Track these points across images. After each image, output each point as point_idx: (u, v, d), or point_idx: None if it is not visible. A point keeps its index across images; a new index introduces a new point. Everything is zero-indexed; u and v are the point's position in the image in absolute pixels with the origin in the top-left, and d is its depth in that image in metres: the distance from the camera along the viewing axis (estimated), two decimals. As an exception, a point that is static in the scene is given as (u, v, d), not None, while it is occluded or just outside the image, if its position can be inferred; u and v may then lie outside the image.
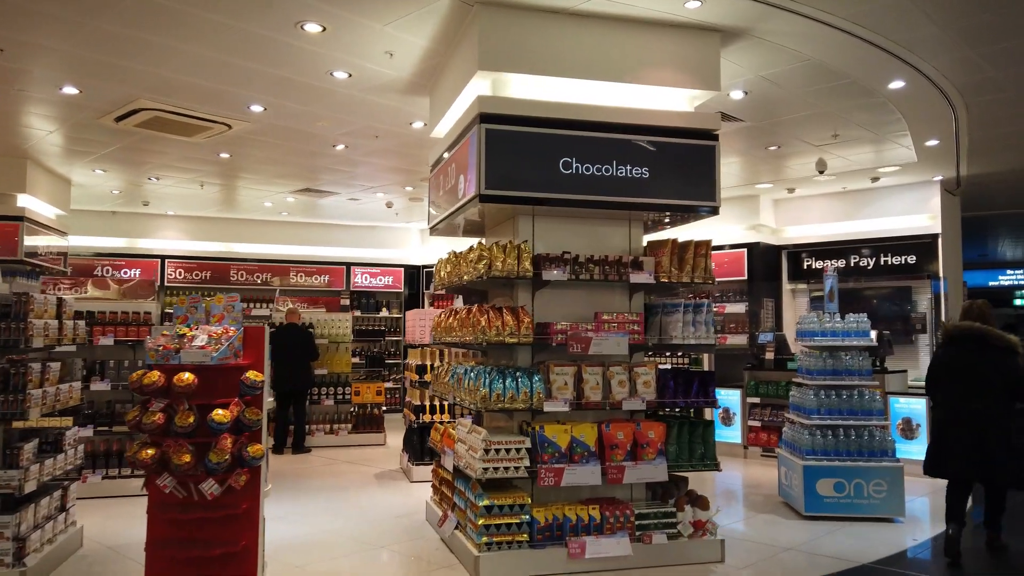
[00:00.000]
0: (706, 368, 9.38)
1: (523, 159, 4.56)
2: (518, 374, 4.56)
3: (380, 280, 14.13)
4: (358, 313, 13.35)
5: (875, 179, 9.41)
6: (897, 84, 5.91)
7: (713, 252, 10.96)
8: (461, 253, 5.02)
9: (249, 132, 7.39)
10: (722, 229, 11.04)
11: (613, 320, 4.72)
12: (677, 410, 5.18)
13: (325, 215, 12.81)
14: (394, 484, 7.34)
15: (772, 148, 7.97)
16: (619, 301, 5.03)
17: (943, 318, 9.40)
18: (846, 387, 6.07)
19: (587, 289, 4.94)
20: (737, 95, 6.21)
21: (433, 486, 5.74)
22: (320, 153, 8.30)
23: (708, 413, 9.70)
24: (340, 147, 7.97)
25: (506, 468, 4.43)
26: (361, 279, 14.09)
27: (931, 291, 9.63)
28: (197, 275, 13.02)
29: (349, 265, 13.96)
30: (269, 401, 7.05)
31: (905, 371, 8.61)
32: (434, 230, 5.94)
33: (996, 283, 20.35)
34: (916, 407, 7.73)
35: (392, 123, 7.05)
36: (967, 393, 4.96)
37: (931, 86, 5.91)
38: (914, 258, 9.93)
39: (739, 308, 10.72)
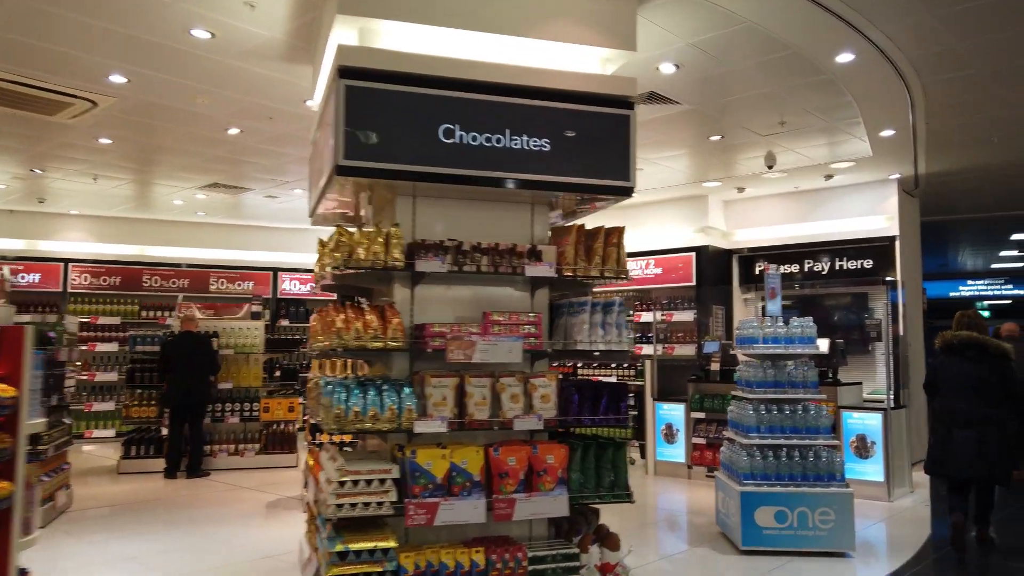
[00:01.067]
0: (648, 380, 8.64)
1: (394, 125, 3.76)
2: (384, 387, 3.73)
3: (311, 287, 13.18)
4: (285, 322, 12.40)
5: (829, 176, 8.80)
6: (846, 57, 5.25)
7: (660, 256, 10.38)
8: (325, 241, 4.19)
9: (121, 111, 6.49)
10: (669, 231, 10.37)
11: (505, 321, 3.92)
12: (583, 430, 4.38)
13: (248, 216, 11.87)
14: (286, 515, 6.43)
15: (715, 138, 7.29)
16: (519, 299, 4.24)
17: (900, 327, 8.80)
18: (789, 401, 5.35)
19: (478, 285, 4.15)
20: (668, 69, 5.50)
21: (307, 520, 4.87)
22: (216, 140, 7.41)
23: (647, 433, 8.98)
24: (234, 131, 7.10)
25: (366, 504, 3.58)
26: (290, 285, 13.15)
27: (888, 297, 9.03)
28: (105, 280, 11.95)
29: (276, 271, 13.02)
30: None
31: (860, 383, 7.96)
32: (315, 220, 5.11)
33: (957, 294, 20.07)
34: (871, 423, 7.06)
35: (283, 100, 6.21)
36: (968, 399, 5.22)
37: (883, 60, 5.26)
38: (871, 262, 9.35)
39: (687, 316, 10.03)
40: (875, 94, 5.99)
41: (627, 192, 4.17)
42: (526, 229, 4.33)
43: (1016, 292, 19.49)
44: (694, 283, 10.03)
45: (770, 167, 8.08)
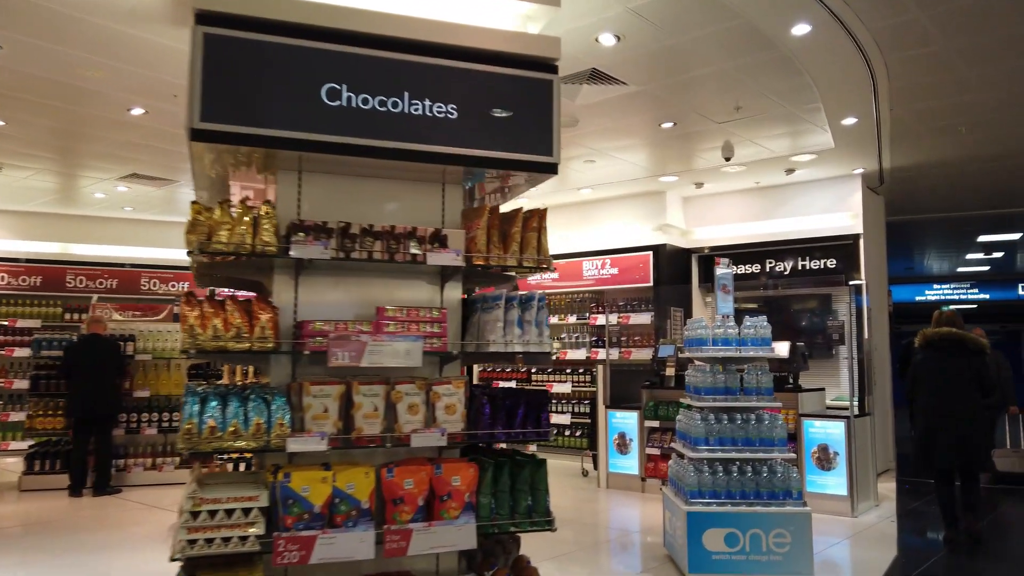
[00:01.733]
0: (601, 386, 8.10)
1: (265, 83, 3.15)
2: (251, 397, 3.11)
3: (252, 288, 12.45)
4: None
5: (790, 171, 8.36)
6: (802, 28, 4.77)
7: (616, 255, 9.86)
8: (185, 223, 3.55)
9: (2, 87, 5.79)
10: (626, 229, 9.87)
11: (402, 317, 3.33)
12: (499, 445, 3.80)
13: (181, 212, 11.10)
14: (188, 538, 5.74)
15: (668, 125, 6.79)
16: (427, 292, 3.66)
17: (865, 330, 8.38)
18: (741, 410, 4.83)
19: (379, 277, 3.56)
20: (608, 40, 4.97)
21: (189, 551, 4.20)
22: (121, 123, 6.72)
23: (599, 443, 8.45)
24: (138, 111, 6.42)
25: (225, 540, 2.96)
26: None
27: (852, 299, 8.61)
28: (25, 280, 11.11)
29: (214, 271, 12.25)
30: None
31: (823, 389, 7.50)
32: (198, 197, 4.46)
33: (923, 298, 19.92)
34: (834, 432, 6.59)
35: (185, 75, 5.54)
36: (950, 392, 5.63)
37: (842, 32, 4.79)
38: (835, 262, 8.92)
39: (645, 318, 9.53)
40: (835, 75, 5.53)
41: (550, 169, 3.61)
42: (437, 212, 3.75)
43: (982, 296, 19.40)
44: (652, 284, 9.53)
45: (728, 159, 7.61)
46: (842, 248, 8.73)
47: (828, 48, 5.04)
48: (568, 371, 10.23)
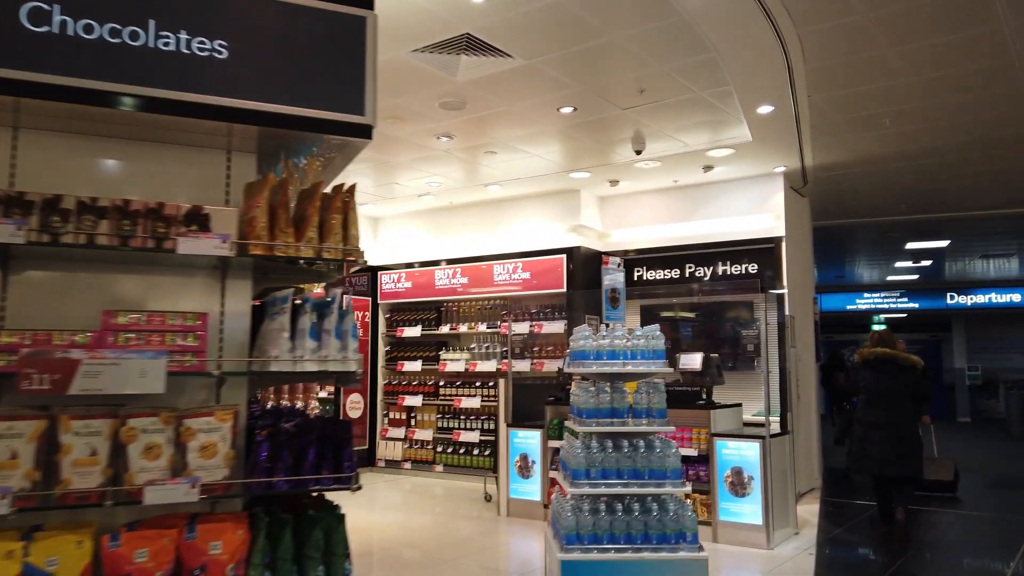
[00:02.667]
0: (502, 403, 7.31)
1: (-65, -4, 2.26)
2: None
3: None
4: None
5: (708, 168, 7.76)
6: (699, -13, 4.08)
7: (528, 259, 9.12)
8: None
9: None
10: (538, 231, 9.15)
11: (142, 326, 2.46)
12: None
13: None
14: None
15: (567, 110, 6.07)
16: (201, 294, 2.78)
17: (788, 341, 7.82)
18: (629, 435, 4.08)
19: (126, 271, 2.67)
20: (476, -4, 4.20)
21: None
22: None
23: (499, 465, 7.61)
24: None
25: None
26: None
27: (767, 305, 8.06)
28: None
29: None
30: None
31: (739, 405, 6.86)
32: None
33: (854, 307, 19.86)
34: (749, 453, 5.93)
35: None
36: (885, 406, 6.28)
37: (746, -7, 4.12)
38: (755, 267, 8.36)
39: (558, 327, 8.79)
40: (743, 50, 4.89)
41: (361, 132, 2.79)
42: (220, 189, 2.89)
43: (911, 305, 19.41)
44: (565, 289, 8.81)
45: (639, 152, 6.95)
46: (763, 252, 8.17)
47: (731, 15, 4.38)
48: (477, 384, 9.43)
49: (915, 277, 17.99)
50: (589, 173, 8.02)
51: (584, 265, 8.88)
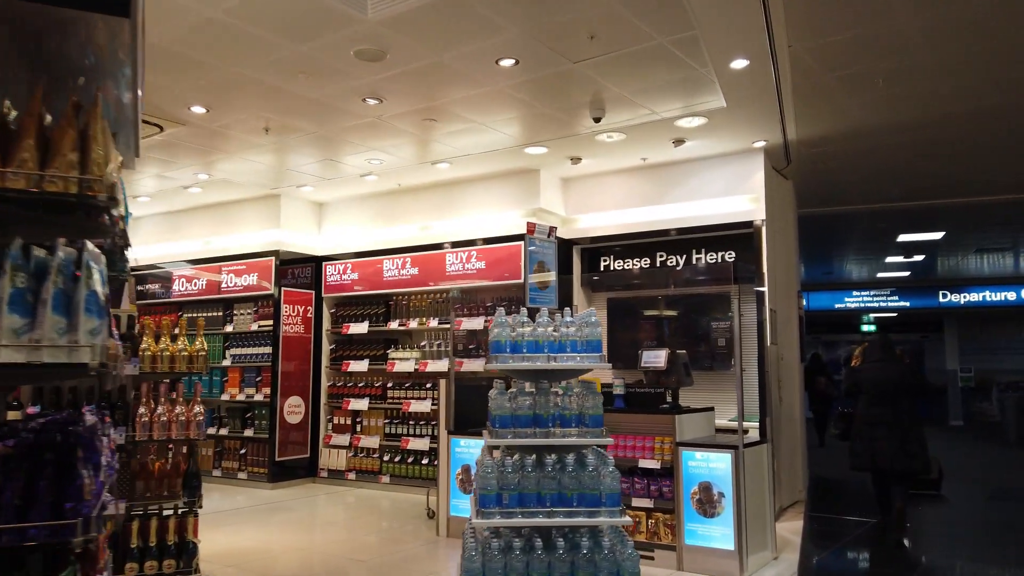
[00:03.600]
0: (442, 407, 6.43)
1: None
2: None
3: None
4: None
5: (679, 142, 6.91)
6: None
7: (483, 247, 8.24)
8: None
9: None
10: (494, 215, 8.28)
11: None
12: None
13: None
14: None
15: (507, 63, 5.20)
16: None
17: (768, 337, 6.99)
18: (554, 449, 3.22)
19: None
20: None
21: None
22: None
23: (439, 479, 6.59)
24: None
25: None
26: None
27: (752, 299, 7.22)
28: None
29: None
30: None
31: (712, 409, 6.01)
32: None
33: (842, 305, 19.11)
34: (720, 466, 5.08)
35: None
36: (889, 403, 6.36)
37: None
38: (732, 254, 7.52)
39: (515, 322, 7.88)
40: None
41: (114, 8, 1.91)
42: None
43: (902, 304, 18.69)
44: (523, 280, 7.93)
45: (597, 119, 6.10)
46: (742, 239, 7.33)
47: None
48: (428, 386, 8.55)
49: (906, 274, 17.25)
50: (547, 148, 7.16)
51: (547, 254, 8.01)
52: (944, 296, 18.12)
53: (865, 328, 23.39)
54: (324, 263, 9.56)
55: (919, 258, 14.55)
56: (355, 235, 9.40)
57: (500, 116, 6.31)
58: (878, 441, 6.22)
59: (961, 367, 20.42)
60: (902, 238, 12.14)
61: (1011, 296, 17.46)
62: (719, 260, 7.60)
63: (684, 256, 7.83)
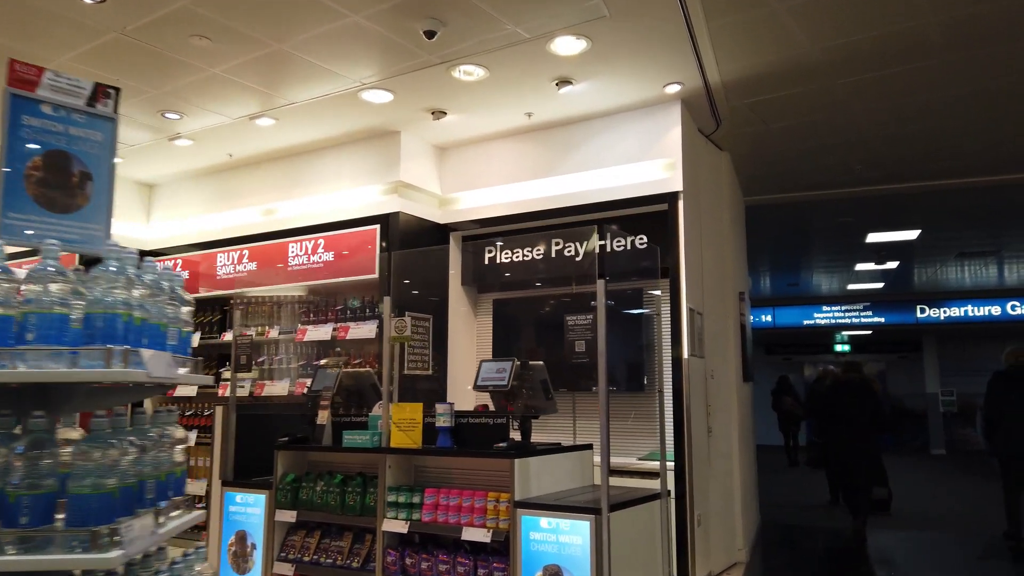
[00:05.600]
0: (216, 449, 4.62)
1: None
2: None
3: None
4: None
5: (563, 82, 5.22)
6: None
7: (331, 233, 6.04)
8: None
9: None
10: (344, 192, 6.56)
11: None
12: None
13: None
14: None
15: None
16: None
17: (684, 347, 5.30)
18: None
19: None
20: None
21: None
22: None
23: (208, 547, 4.85)
24: None
25: None
26: None
27: (668, 294, 5.53)
28: None
29: None
30: None
31: (589, 447, 4.25)
32: None
33: (811, 322, 17.53)
34: (573, 541, 3.29)
35: None
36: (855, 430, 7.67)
37: None
38: (644, 240, 5.83)
39: (368, 330, 6.11)
40: None
41: None
42: None
43: (876, 320, 17.15)
44: (378, 274, 6.19)
45: (430, 35, 4.39)
46: (654, 217, 5.65)
47: None
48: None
49: (880, 285, 15.74)
50: (391, 94, 5.44)
51: (410, 241, 6.28)
52: (922, 311, 16.62)
53: (839, 348, 21.91)
54: (155, 259, 7.73)
55: (893, 265, 13.02)
56: (190, 224, 7.59)
57: (308, 33, 4.59)
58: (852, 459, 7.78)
59: (942, 390, 18.93)
60: (872, 238, 10.57)
61: (995, 311, 15.99)
62: (628, 246, 5.90)
63: (586, 243, 6.13)
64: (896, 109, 5.83)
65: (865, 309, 17.10)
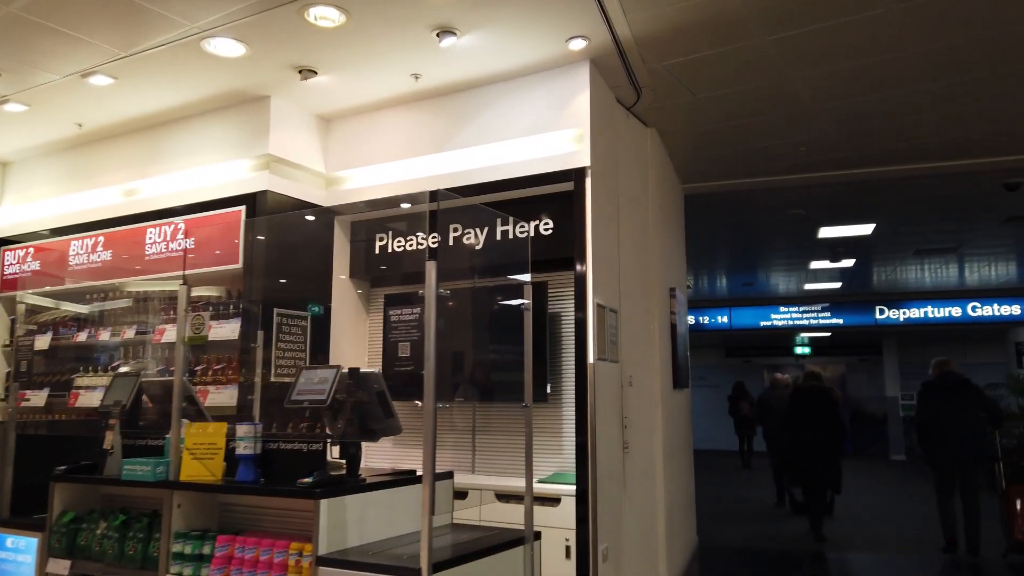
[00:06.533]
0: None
1: None
2: None
3: None
4: None
5: (444, 32, 4.38)
6: None
7: (188, 217, 5.16)
8: None
9: None
10: (208, 168, 5.66)
11: None
12: None
13: None
14: None
15: None
16: None
17: (591, 349, 4.52)
18: None
19: None
20: None
21: None
22: None
23: None
24: None
25: None
26: None
27: (574, 291, 4.74)
28: None
29: None
30: None
31: (450, 475, 3.42)
32: None
33: (768, 323, 16.95)
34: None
35: None
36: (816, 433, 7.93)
37: None
38: (550, 225, 5.04)
39: (230, 330, 5.22)
40: None
41: None
42: None
43: (835, 321, 16.63)
44: (242, 264, 5.30)
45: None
46: (559, 200, 4.85)
47: None
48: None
49: (838, 285, 15.19)
50: (244, 45, 4.55)
51: (282, 224, 5.41)
52: (881, 312, 16.12)
53: (799, 350, 21.44)
54: (3, 249, 6.76)
55: (849, 264, 12.43)
56: (45, 207, 6.62)
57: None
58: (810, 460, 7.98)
59: (903, 394, 18.50)
60: (824, 232, 9.92)
61: (956, 312, 15.55)
62: (532, 232, 5.10)
63: (486, 228, 5.31)
64: (839, 76, 5.10)
65: (823, 310, 16.57)
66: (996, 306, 15.27)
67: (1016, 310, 15.16)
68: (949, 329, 16.19)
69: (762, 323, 16.88)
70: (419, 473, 3.22)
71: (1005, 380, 14.24)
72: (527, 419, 3.47)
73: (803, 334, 18.71)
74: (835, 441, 7.88)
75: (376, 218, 5.77)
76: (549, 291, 5.13)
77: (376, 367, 5.66)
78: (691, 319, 17.59)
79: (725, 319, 17.17)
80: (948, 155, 6.73)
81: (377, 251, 5.74)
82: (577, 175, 4.70)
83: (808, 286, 15.37)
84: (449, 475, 3.38)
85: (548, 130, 4.86)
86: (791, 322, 16.82)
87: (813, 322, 16.74)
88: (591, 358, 4.50)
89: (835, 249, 11.06)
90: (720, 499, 10.42)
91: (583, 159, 4.69)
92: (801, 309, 16.66)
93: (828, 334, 18.30)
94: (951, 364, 7.38)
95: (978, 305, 15.40)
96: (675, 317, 6.43)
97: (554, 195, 4.92)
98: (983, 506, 7.01)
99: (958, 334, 17.29)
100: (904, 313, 15.97)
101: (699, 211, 8.46)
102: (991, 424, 7.00)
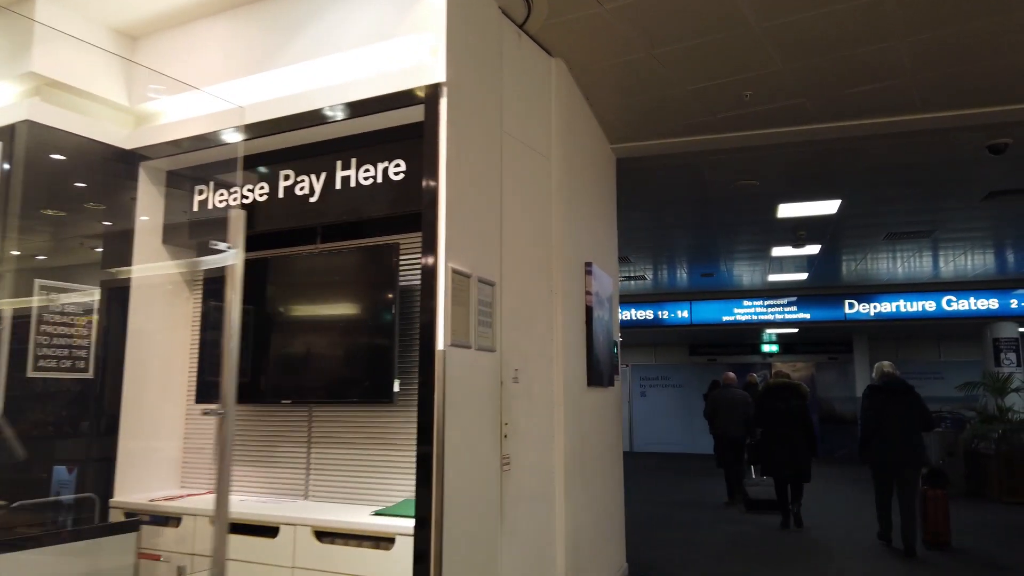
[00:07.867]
0: None
1: None
2: None
3: None
4: None
5: None
6: None
7: None
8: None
9: None
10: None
11: None
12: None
13: None
14: None
15: None
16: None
17: (440, 334, 3.29)
18: None
19: None
20: None
21: None
22: None
23: None
24: None
25: None
26: None
27: (429, 256, 3.53)
28: None
29: None
30: None
31: (135, 526, 2.16)
32: None
33: (731, 318, 15.90)
34: None
35: None
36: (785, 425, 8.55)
37: None
38: (401, 167, 3.83)
39: (-19, 308, 3.91)
40: None
41: None
42: None
43: (802, 316, 15.62)
44: (-3, 221, 4.00)
45: None
46: (409, 132, 3.63)
47: None
48: None
49: (804, 276, 14.17)
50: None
51: (72, 171, 4.12)
52: (851, 306, 15.16)
53: (766, 348, 20.48)
54: None
55: (814, 250, 11.38)
56: None
57: None
58: (780, 453, 8.52)
59: (873, 394, 17.57)
60: (784, 211, 8.82)
61: (930, 306, 14.61)
62: (381, 178, 3.87)
63: (325, 174, 4.07)
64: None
65: (789, 304, 15.56)
66: (972, 300, 14.37)
67: (994, 304, 14.26)
68: (923, 324, 15.26)
69: (724, 318, 15.83)
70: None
71: (982, 379, 13.40)
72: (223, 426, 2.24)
73: (769, 330, 17.72)
74: (806, 432, 8.51)
75: (198, 165, 4.51)
76: (401, 256, 3.91)
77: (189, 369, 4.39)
78: (650, 313, 16.49)
79: (686, 313, 16.09)
80: (927, 105, 5.63)
81: (196, 208, 4.48)
82: (430, 97, 3.47)
83: (772, 277, 14.34)
84: (133, 526, 2.13)
85: (393, 36, 3.64)
86: (755, 317, 15.78)
87: (779, 317, 15.73)
88: (440, 344, 3.29)
89: (797, 232, 9.99)
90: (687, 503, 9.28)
91: (437, 74, 3.47)
92: (766, 303, 15.64)
93: (795, 330, 17.33)
94: (895, 368, 7.84)
95: (953, 299, 14.49)
96: (591, 298, 5.25)
97: (408, 128, 3.71)
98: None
99: (932, 330, 16.38)
100: (875, 307, 15.01)
101: (638, 185, 7.31)
102: (924, 429, 7.31)
